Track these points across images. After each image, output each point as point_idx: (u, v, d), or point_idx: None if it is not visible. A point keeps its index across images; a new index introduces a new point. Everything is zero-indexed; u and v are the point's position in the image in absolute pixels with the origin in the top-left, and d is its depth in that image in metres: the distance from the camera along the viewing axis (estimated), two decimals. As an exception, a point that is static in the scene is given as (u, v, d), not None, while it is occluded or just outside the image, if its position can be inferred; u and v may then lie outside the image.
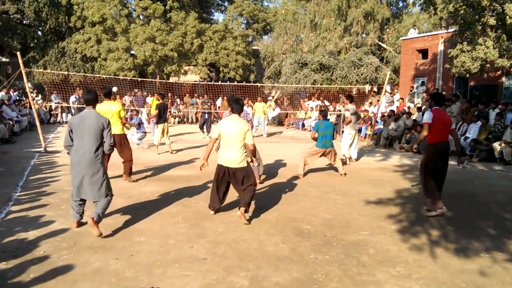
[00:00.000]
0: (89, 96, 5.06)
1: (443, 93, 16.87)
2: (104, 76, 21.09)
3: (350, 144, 10.49)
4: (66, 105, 20.61)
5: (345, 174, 8.82)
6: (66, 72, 21.41)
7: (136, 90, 21.87)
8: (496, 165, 10.51)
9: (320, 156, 8.79)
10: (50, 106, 20.87)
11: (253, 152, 5.65)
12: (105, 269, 3.97)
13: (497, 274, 4.00)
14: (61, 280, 3.73)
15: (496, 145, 10.80)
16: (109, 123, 4.97)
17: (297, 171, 8.71)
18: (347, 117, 10.38)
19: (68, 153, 4.99)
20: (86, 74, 22.49)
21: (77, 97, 19.62)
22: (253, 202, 6.38)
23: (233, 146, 5.40)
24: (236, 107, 5.53)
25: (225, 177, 5.59)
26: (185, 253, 4.40)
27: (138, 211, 5.86)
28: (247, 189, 5.51)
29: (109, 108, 7.49)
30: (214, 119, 19.83)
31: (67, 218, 5.33)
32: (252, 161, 5.74)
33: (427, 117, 6.11)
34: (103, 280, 3.74)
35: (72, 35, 27.15)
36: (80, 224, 5.10)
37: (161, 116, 11.13)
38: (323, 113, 9.18)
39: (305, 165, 8.67)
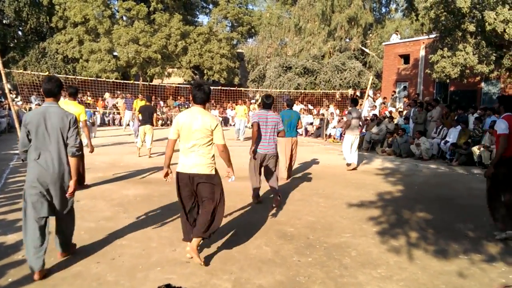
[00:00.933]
0: (50, 85, 3.99)
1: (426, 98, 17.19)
2: (86, 78, 20.87)
3: (350, 148, 10.09)
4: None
5: (287, 178, 8.65)
6: (46, 73, 21.09)
7: (119, 92, 21.69)
8: (475, 168, 10.73)
9: (291, 154, 8.72)
10: (30, 107, 20.50)
11: (226, 156, 4.31)
12: (86, 273, 3.92)
13: (475, 276, 4.08)
14: (40, 284, 3.67)
15: (475, 149, 11.03)
16: (75, 121, 3.99)
17: (281, 176, 8.75)
18: (346, 120, 10.17)
19: (23, 160, 4.01)
20: (67, 76, 22.19)
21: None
22: (233, 204, 6.39)
23: (195, 147, 4.16)
24: (199, 94, 4.18)
25: (189, 189, 4.26)
26: (168, 256, 4.37)
27: (120, 214, 5.80)
28: (205, 210, 4.18)
29: (67, 110, 6.98)
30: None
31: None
32: (229, 173, 4.45)
33: (503, 126, 5.10)
34: (83, 284, 3.69)
35: (54, 35, 26.79)
36: (44, 275, 3.79)
37: (143, 118, 11.04)
38: (288, 101, 9.23)
39: (287, 166, 8.67)
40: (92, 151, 7.26)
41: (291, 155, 8.79)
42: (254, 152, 6.41)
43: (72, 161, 3.88)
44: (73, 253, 4.27)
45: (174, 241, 4.79)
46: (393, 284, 3.86)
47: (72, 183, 3.90)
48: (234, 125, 20.11)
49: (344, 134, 11.23)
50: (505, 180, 5.17)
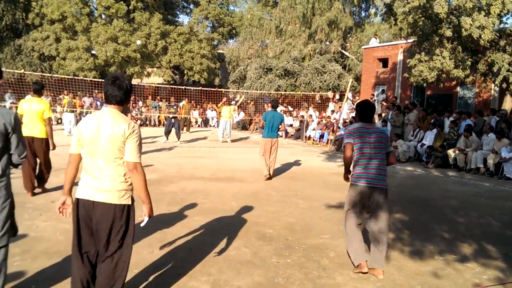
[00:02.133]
0: None
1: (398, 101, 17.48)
2: (62, 76, 20.49)
3: None
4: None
5: (269, 177, 8.71)
6: (22, 71, 20.62)
7: (96, 92, 21.37)
8: (451, 171, 10.97)
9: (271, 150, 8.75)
10: (4, 106, 20.01)
11: (139, 183, 3.02)
12: (60, 275, 3.83)
13: (450, 276, 4.17)
14: (12, 287, 3.57)
15: (451, 152, 11.28)
16: (16, 123, 3.04)
17: (262, 175, 8.77)
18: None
19: None
20: (43, 74, 21.74)
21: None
22: (213, 206, 6.38)
23: (102, 164, 2.96)
24: (114, 91, 2.98)
25: (87, 224, 3.03)
26: (145, 258, 4.31)
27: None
28: (112, 256, 3.01)
29: (30, 107, 6.44)
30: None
31: (21, 222, 5.12)
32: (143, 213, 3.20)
33: None
34: (59, 286, 3.61)
35: (30, 32, 26.23)
36: None
37: None
38: (273, 102, 9.23)
39: (267, 164, 8.74)
40: (53, 148, 6.88)
41: (269, 156, 8.81)
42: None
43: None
44: None
45: (152, 243, 4.73)
46: (370, 285, 3.91)
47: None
48: (215, 126, 20.08)
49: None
50: None
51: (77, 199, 3.02)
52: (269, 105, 9.25)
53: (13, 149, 3.05)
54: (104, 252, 3.01)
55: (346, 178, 4.35)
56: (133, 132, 2.97)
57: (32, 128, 6.45)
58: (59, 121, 20.89)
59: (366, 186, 4.00)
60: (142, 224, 3.23)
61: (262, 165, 8.79)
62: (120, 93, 3.00)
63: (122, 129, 2.92)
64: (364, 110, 4.25)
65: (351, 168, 4.22)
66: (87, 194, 2.97)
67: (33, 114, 6.44)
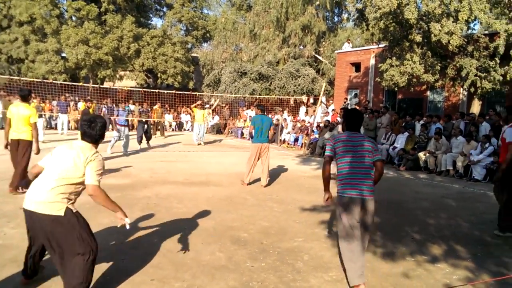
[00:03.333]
0: None
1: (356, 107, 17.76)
2: (31, 79, 19.95)
3: None
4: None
5: (265, 186, 8.55)
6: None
7: (67, 95, 20.90)
8: (421, 173, 11.22)
9: (258, 158, 8.62)
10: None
11: (104, 201, 3.47)
12: (30, 284, 3.71)
13: (421, 277, 4.24)
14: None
15: (421, 155, 11.53)
16: None
17: (237, 179, 8.72)
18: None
19: None
20: (12, 77, 21.12)
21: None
22: (187, 211, 6.31)
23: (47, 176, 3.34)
24: (90, 131, 3.51)
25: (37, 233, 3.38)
26: (118, 264, 4.22)
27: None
28: (70, 264, 3.28)
29: (17, 111, 6.90)
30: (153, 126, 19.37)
31: (-14, 230, 4.94)
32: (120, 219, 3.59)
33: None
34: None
35: (-3, 34, 25.43)
36: None
37: None
38: (260, 107, 9.07)
39: (251, 171, 8.56)
40: (37, 152, 6.94)
41: (262, 162, 8.64)
42: None
43: None
44: None
45: (125, 249, 4.64)
46: (345, 286, 3.93)
47: None
48: (189, 130, 19.97)
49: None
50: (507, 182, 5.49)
51: (24, 211, 3.34)
52: (257, 109, 9.05)
53: None
54: (60, 259, 3.35)
55: (326, 192, 4.10)
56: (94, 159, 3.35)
57: (20, 132, 6.93)
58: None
59: (353, 198, 3.83)
60: (127, 227, 3.60)
61: (246, 172, 8.58)
62: (95, 133, 3.49)
63: (76, 158, 3.32)
64: (352, 119, 4.12)
65: (336, 180, 4.04)
66: (26, 203, 3.32)
67: (20, 118, 6.87)
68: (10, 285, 3.69)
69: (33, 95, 20.20)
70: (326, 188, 4.09)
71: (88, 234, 3.41)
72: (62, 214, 3.24)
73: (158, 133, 19.80)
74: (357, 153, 3.92)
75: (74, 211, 3.38)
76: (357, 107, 18.46)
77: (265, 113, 9.06)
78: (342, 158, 3.95)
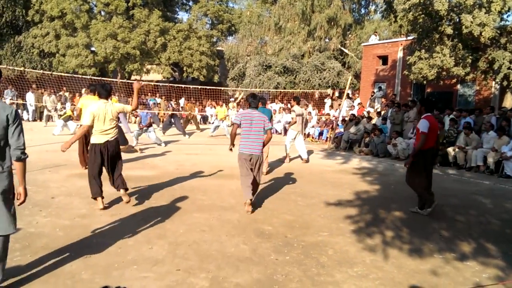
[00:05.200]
0: None
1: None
2: (62, 74, 20.44)
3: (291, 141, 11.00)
4: (21, 102, 19.79)
5: (266, 173, 8.94)
6: (22, 68, 20.57)
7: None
8: (450, 169, 10.96)
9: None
10: (5, 102, 19.96)
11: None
12: (60, 270, 3.83)
13: (450, 274, 4.16)
14: (13, 282, 3.56)
15: (450, 150, 11.26)
16: (16, 116, 3.22)
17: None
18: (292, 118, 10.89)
19: None
20: (43, 71, 21.69)
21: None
22: (211, 203, 6.36)
23: None
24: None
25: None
26: (144, 254, 4.30)
27: (96, 212, 5.69)
28: None
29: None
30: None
31: (21, 218, 5.10)
32: None
33: (425, 125, 6.10)
34: (58, 282, 3.61)
35: (30, 29, 26.17)
36: None
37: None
38: (262, 100, 9.15)
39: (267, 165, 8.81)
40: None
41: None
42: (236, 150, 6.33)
43: (18, 166, 3.27)
44: None
45: (151, 239, 4.72)
46: (369, 282, 3.90)
47: (21, 191, 3.33)
48: (213, 123, 20.05)
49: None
50: (418, 167, 6.22)
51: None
52: (260, 103, 9.14)
53: (13, 144, 3.20)
54: None
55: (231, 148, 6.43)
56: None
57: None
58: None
59: (248, 153, 6.07)
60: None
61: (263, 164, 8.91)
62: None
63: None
64: (252, 98, 6.39)
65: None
66: None
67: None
68: (42, 272, 3.81)
69: (64, 88, 20.77)
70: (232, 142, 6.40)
71: None
72: None
73: (194, 127, 19.67)
74: (252, 124, 6.12)
75: None
76: (383, 100, 18.18)
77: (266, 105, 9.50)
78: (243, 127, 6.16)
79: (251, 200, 6.04)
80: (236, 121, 6.28)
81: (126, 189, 6.09)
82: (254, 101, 6.35)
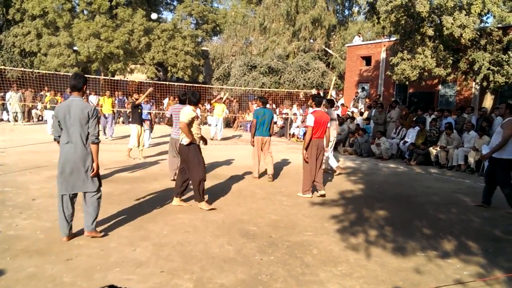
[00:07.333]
0: (75, 82, 4.53)
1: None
2: (43, 72, 20.11)
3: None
4: (1, 102, 19.40)
5: (272, 178, 8.51)
6: (2, 67, 20.16)
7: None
8: (432, 168, 11.12)
9: (261, 149, 8.63)
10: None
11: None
12: (41, 274, 3.76)
13: (432, 272, 4.21)
14: (-10, 287, 3.49)
15: (432, 150, 11.43)
16: (94, 112, 4.49)
17: (246, 172, 8.75)
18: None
19: (58, 142, 4.60)
20: (24, 69, 21.31)
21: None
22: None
23: None
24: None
25: None
26: (128, 256, 4.26)
27: (78, 214, 5.58)
28: None
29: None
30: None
31: (0, 221, 5.01)
32: None
33: (311, 120, 7.00)
34: (38, 286, 3.54)
35: (10, 28, 25.67)
36: (71, 237, 4.66)
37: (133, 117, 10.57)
38: (262, 100, 9.03)
39: (258, 165, 8.61)
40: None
41: (264, 156, 8.63)
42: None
43: (93, 147, 4.51)
44: (94, 237, 4.70)
45: (135, 241, 4.68)
46: (353, 281, 3.93)
47: (95, 166, 4.53)
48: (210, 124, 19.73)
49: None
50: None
51: None
52: (259, 102, 9.01)
53: (91, 132, 4.47)
54: None
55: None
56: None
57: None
58: (40, 118, 20.50)
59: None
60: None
61: (253, 166, 8.68)
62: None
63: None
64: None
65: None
66: None
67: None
68: (22, 274, 3.74)
69: (46, 88, 20.40)
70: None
71: None
72: None
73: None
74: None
75: None
76: (367, 101, 18.35)
77: (267, 106, 9.12)
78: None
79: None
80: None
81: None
82: (182, 99, 7.45)
